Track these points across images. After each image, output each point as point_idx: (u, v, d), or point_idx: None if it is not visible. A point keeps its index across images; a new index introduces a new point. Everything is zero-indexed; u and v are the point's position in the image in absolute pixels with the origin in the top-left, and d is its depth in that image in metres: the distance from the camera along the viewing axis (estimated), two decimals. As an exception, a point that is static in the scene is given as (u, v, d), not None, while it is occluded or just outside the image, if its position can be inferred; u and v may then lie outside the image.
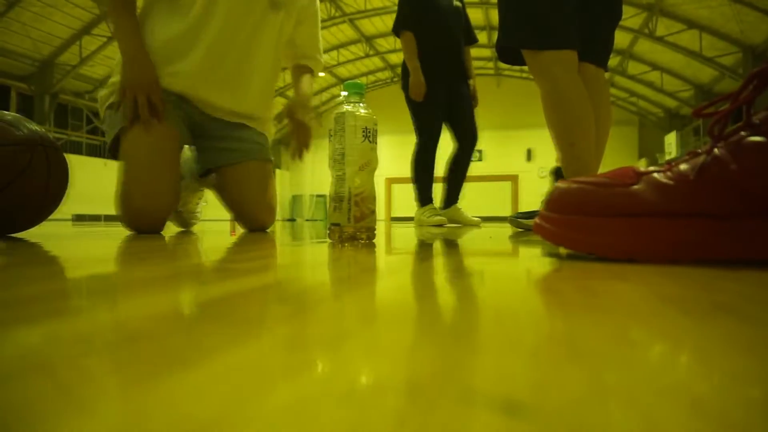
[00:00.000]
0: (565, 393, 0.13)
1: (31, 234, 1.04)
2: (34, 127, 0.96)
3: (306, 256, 0.60)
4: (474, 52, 13.09)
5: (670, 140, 10.91)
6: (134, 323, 0.21)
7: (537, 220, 0.55)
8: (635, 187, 0.48)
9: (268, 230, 1.43)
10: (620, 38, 9.76)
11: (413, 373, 0.14)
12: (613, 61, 10.67)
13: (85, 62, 9.07)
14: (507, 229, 1.62)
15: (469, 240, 0.96)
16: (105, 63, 9.42)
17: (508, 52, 1.28)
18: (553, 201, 0.53)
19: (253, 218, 1.39)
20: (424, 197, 2.48)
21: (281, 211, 12.41)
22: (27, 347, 0.17)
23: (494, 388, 0.13)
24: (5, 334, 0.19)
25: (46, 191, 0.95)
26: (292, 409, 0.12)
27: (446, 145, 2.56)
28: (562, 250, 0.60)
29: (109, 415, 0.11)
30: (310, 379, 0.14)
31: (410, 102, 2.48)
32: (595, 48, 1.28)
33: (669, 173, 0.47)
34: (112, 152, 1.22)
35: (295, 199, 12.96)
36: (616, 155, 11.80)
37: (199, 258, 0.58)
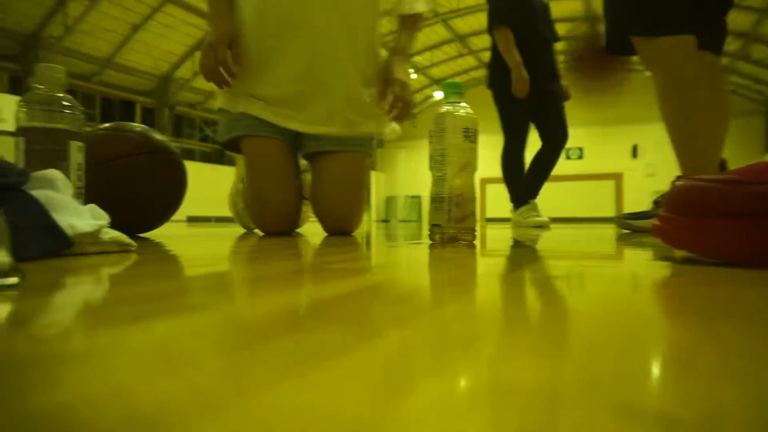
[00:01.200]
0: (713, 406, 0.12)
1: (154, 234, 1.14)
2: (159, 136, 1.05)
3: (411, 257, 0.60)
4: (574, 44, 12.47)
5: (808, 130, 9.65)
6: (256, 320, 0.22)
7: (655, 221, 0.51)
8: (775, 184, 0.43)
9: (352, 235, 1.24)
10: (742, 20, 8.83)
11: (552, 379, 0.14)
12: (733, 45, 9.67)
13: (197, 75, 9.84)
14: (611, 231, 1.52)
15: (574, 242, 0.92)
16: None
17: (617, 41, 1.20)
18: (675, 201, 0.49)
19: (329, 220, 1.24)
20: (518, 198, 2.41)
21: (376, 211, 12.64)
22: (159, 341, 0.19)
23: (643, 399, 0.12)
24: (140, 328, 0.21)
25: (168, 195, 1.04)
26: (430, 410, 0.12)
27: (536, 144, 2.46)
28: (678, 254, 0.56)
29: (245, 416, 0.12)
30: (444, 382, 0.14)
31: (498, 100, 2.41)
32: (711, 34, 1.17)
33: (817, 168, 0.41)
34: (226, 148, 1.30)
35: (390, 200, 13.14)
36: (737, 150, 10.67)
37: (310, 258, 0.60)
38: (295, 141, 1.27)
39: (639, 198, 10.98)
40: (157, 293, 0.30)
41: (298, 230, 1.52)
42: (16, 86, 7.70)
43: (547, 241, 0.94)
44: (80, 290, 0.32)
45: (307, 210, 1.60)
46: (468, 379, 0.14)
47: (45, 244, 0.49)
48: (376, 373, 0.14)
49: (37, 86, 0.69)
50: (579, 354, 0.16)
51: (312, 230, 1.57)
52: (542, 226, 2.15)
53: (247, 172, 1.25)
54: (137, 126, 1.05)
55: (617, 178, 11.49)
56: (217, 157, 10.83)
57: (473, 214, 0.76)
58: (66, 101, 0.69)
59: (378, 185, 13.10)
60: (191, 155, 10.63)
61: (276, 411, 0.11)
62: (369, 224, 2.02)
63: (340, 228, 1.25)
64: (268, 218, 1.21)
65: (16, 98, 7.21)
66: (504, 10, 2.31)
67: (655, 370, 0.15)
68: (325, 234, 1.23)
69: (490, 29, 2.37)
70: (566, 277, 0.38)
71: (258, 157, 1.21)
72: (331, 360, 0.15)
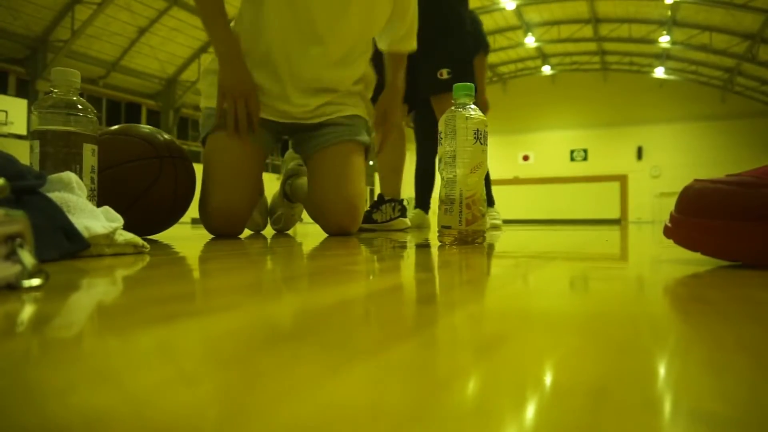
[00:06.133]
0: (760, 405, 0.12)
1: (160, 236, 1.14)
2: (167, 138, 1.06)
3: (428, 259, 0.60)
4: (579, 46, 12.51)
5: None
6: (284, 321, 0.23)
7: (667, 223, 0.51)
8: (790, 185, 0.43)
9: (350, 235, 1.19)
10: (749, 21, 8.81)
11: (588, 378, 0.14)
12: (739, 47, 9.64)
13: (202, 78, 9.89)
14: (616, 233, 1.52)
15: (582, 244, 0.92)
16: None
17: None
18: (687, 203, 0.49)
19: (330, 218, 1.21)
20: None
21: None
22: (185, 344, 0.19)
23: (684, 398, 0.12)
24: (166, 331, 0.21)
25: (175, 198, 1.04)
26: (472, 406, 0.12)
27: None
28: (690, 255, 0.56)
29: (302, 408, 0.12)
30: (479, 380, 0.14)
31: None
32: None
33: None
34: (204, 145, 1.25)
35: (393, 203, 13.14)
36: (744, 151, 10.64)
37: (326, 260, 0.60)
38: (274, 143, 1.27)
39: (644, 200, 10.96)
40: (180, 294, 0.30)
41: (289, 232, 1.50)
42: (23, 89, 7.74)
43: (557, 244, 0.94)
44: (103, 291, 0.33)
45: (296, 212, 1.58)
46: (505, 376, 0.14)
47: (63, 245, 0.49)
48: (415, 368, 0.15)
49: (53, 90, 0.70)
50: (609, 353, 0.17)
51: (302, 231, 1.57)
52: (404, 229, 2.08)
53: (205, 165, 1.18)
54: (145, 128, 1.06)
55: (622, 179, 11.46)
56: (222, 159, 10.83)
57: (484, 215, 0.76)
58: (80, 105, 0.70)
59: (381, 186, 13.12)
60: (196, 157, 10.66)
61: (330, 401, 0.12)
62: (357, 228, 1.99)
63: (342, 228, 1.21)
64: (213, 218, 1.14)
65: (23, 101, 7.27)
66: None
67: (690, 369, 0.15)
68: (327, 235, 1.22)
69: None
70: (584, 278, 0.38)
71: (218, 150, 1.17)
72: (365, 360, 0.16)
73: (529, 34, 10.48)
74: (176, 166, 1.04)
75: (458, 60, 1.89)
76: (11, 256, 0.29)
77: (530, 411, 0.12)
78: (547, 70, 12.04)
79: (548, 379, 0.14)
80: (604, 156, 11.92)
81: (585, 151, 12.20)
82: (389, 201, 1.73)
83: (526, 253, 0.66)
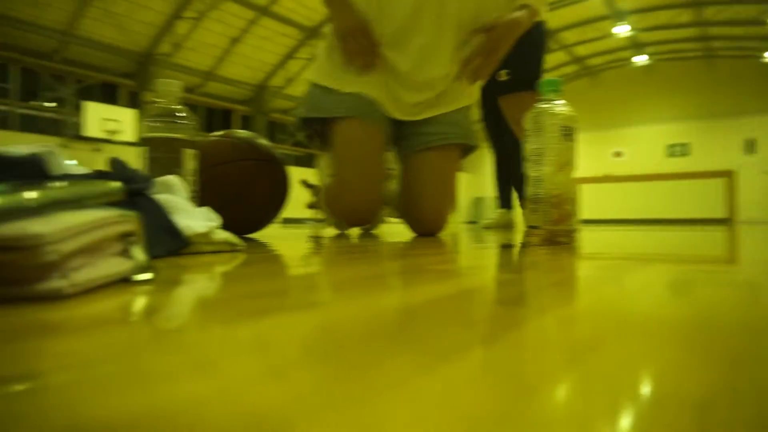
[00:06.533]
0: None
1: (255, 235, 1.20)
2: (264, 142, 1.12)
3: (511, 260, 0.59)
4: (678, 33, 11.65)
5: None
6: (375, 318, 0.23)
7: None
8: None
9: (437, 236, 1.22)
10: None
11: (691, 390, 0.13)
12: None
13: (289, 84, 10.30)
14: (724, 234, 1.40)
15: (683, 246, 0.86)
16: (305, 86, 10.58)
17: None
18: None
19: (425, 217, 1.24)
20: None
21: (462, 213, 12.48)
22: (280, 337, 0.20)
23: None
24: (261, 324, 0.22)
25: (272, 199, 1.10)
26: (564, 413, 0.12)
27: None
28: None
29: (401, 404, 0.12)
30: (571, 386, 0.13)
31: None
32: None
33: None
34: (308, 126, 1.27)
35: (476, 202, 12.93)
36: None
37: (414, 259, 0.61)
38: (388, 135, 1.26)
39: (755, 197, 9.98)
40: (274, 290, 0.32)
41: (373, 232, 1.52)
42: (133, 100, 8.48)
43: (655, 245, 0.88)
44: (203, 286, 0.35)
45: (381, 213, 1.60)
46: (599, 384, 0.13)
47: (168, 243, 0.53)
48: (504, 371, 0.14)
49: (157, 100, 0.76)
50: (716, 364, 0.15)
51: (387, 231, 1.57)
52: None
53: (339, 157, 1.21)
54: (244, 133, 1.13)
55: (729, 175, 10.46)
56: (308, 160, 11.25)
57: (573, 215, 0.73)
58: (182, 113, 0.76)
59: (465, 186, 12.93)
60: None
61: (408, 407, 0.12)
62: (456, 226, 1.98)
63: (431, 230, 1.25)
64: (352, 211, 1.20)
65: (133, 111, 7.97)
66: None
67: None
68: (411, 235, 1.22)
69: None
70: (686, 282, 0.36)
71: (357, 142, 1.19)
72: (455, 360, 0.15)
73: (620, 23, 9.92)
74: (273, 170, 1.10)
75: (516, 60, 1.80)
76: (125, 252, 0.32)
77: (626, 422, 0.11)
78: (640, 60, 11.33)
79: (647, 390, 0.13)
80: (707, 150, 10.99)
81: (685, 145, 11.32)
82: None
83: (619, 255, 0.62)
